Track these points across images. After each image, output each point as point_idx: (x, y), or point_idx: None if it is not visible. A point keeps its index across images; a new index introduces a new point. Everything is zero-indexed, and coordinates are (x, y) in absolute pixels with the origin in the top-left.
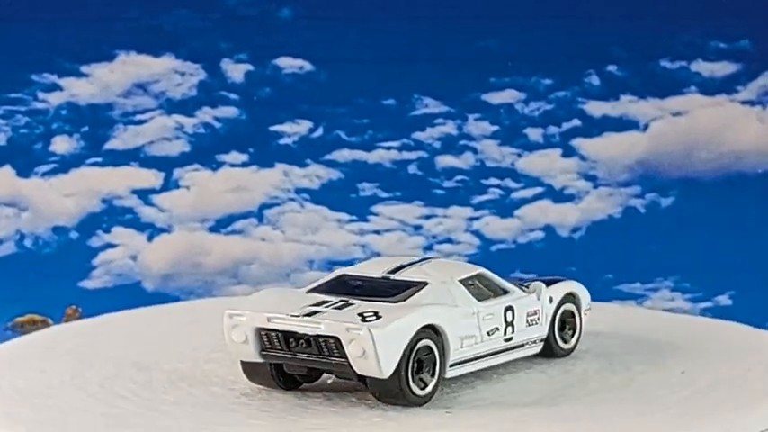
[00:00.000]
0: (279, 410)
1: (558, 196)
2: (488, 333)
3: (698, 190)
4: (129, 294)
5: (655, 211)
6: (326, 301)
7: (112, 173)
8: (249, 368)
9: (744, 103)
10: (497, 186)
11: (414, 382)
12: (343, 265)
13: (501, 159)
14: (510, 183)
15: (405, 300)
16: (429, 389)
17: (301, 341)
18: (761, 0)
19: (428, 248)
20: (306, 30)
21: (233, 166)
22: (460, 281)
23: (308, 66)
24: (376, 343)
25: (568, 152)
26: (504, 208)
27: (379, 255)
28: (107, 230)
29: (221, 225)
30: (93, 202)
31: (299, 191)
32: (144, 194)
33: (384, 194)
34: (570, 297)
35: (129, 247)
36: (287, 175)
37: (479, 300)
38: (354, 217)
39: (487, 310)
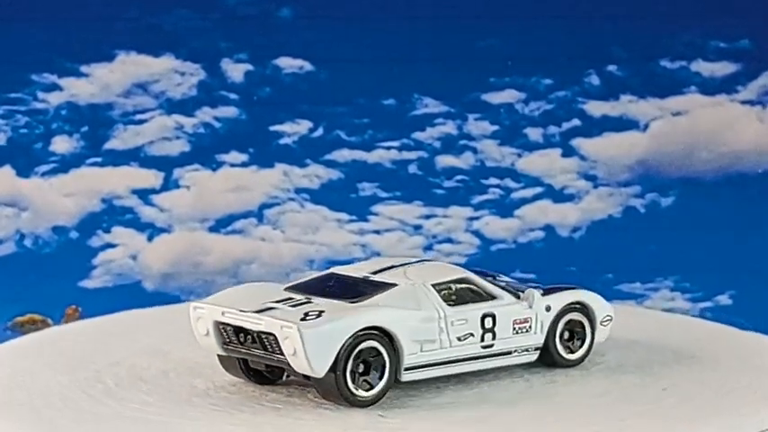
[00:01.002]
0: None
1: (558, 196)
2: (459, 339)
3: (698, 190)
4: (129, 294)
5: (655, 211)
6: (290, 299)
7: (112, 173)
8: (223, 361)
9: (744, 102)
10: (497, 186)
11: (355, 382)
12: (342, 264)
13: (501, 159)
14: (510, 182)
15: (362, 300)
16: (375, 391)
17: (249, 336)
18: (761, 0)
19: (428, 248)
20: (306, 30)
21: (233, 165)
22: (434, 285)
23: (307, 66)
24: (305, 341)
25: (568, 152)
26: (505, 208)
27: (378, 254)
28: (107, 230)
29: (221, 225)
30: (93, 202)
31: (298, 191)
32: (144, 194)
33: (384, 194)
34: (578, 307)
35: (129, 246)
36: (287, 175)
37: (452, 304)
38: (354, 217)
39: (459, 315)
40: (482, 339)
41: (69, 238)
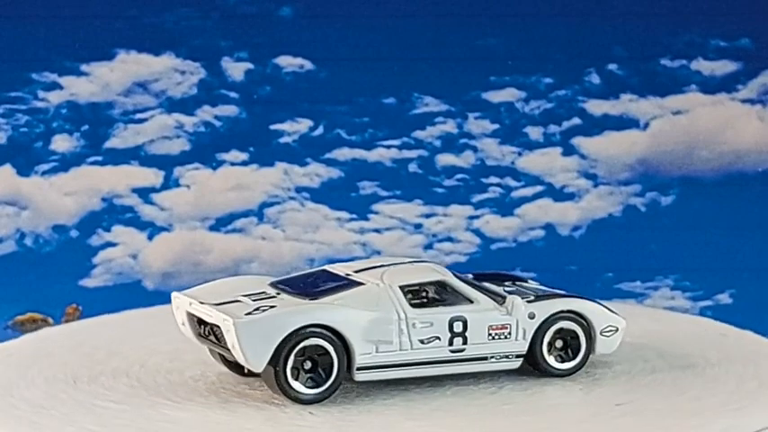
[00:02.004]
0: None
1: (559, 195)
2: (422, 341)
3: (698, 188)
4: (129, 293)
5: (655, 210)
6: (261, 293)
7: (113, 171)
8: (211, 352)
9: (744, 101)
10: (498, 185)
11: (298, 379)
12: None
13: (501, 158)
14: (510, 181)
15: (322, 298)
16: (321, 389)
17: (207, 328)
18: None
19: (428, 247)
20: (306, 28)
21: (233, 164)
22: (402, 286)
23: (308, 64)
24: (239, 335)
25: (569, 151)
26: (505, 206)
27: (379, 253)
28: (107, 229)
29: (222, 223)
30: (93, 201)
31: (299, 189)
32: (144, 193)
33: (384, 193)
34: (571, 316)
35: (130, 245)
36: (287, 174)
37: (418, 307)
38: (355, 215)
39: (423, 318)
40: (450, 343)
41: (70, 237)
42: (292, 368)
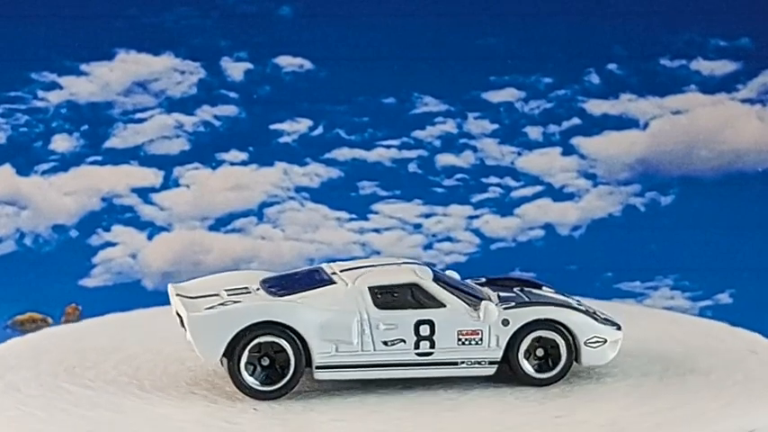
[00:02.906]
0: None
1: (558, 195)
2: (386, 343)
3: (698, 188)
4: (129, 293)
5: (655, 210)
6: (243, 289)
7: (112, 171)
8: None
9: (744, 101)
10: (497, 185)
11: (254, 375)
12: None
13: (501, 158)
14: (510, 181)
15: (287, 296)
16: (276, 386)
17: (180, 320)
18: None
19: (428, 247)
20: (306, 28)
21: (233, 164)
22: (372, 287)
23: (307, 64)
24: (193, 328)
25: (568, 150)
26: (504, 206)
27: (378, 253)
28: (107, 229)
29: (221, 223)
30: (93, 201)
31: (298, 189)
32: (144, 193)
33: (384, 193)
34: (551, 325)
35: (129, 245)
36: (287, 174)
37: (384, 308)
38: (354, 215)
39: (388, 320)
40: (417, 347)
41: (69, 237)
42: (247, 363)
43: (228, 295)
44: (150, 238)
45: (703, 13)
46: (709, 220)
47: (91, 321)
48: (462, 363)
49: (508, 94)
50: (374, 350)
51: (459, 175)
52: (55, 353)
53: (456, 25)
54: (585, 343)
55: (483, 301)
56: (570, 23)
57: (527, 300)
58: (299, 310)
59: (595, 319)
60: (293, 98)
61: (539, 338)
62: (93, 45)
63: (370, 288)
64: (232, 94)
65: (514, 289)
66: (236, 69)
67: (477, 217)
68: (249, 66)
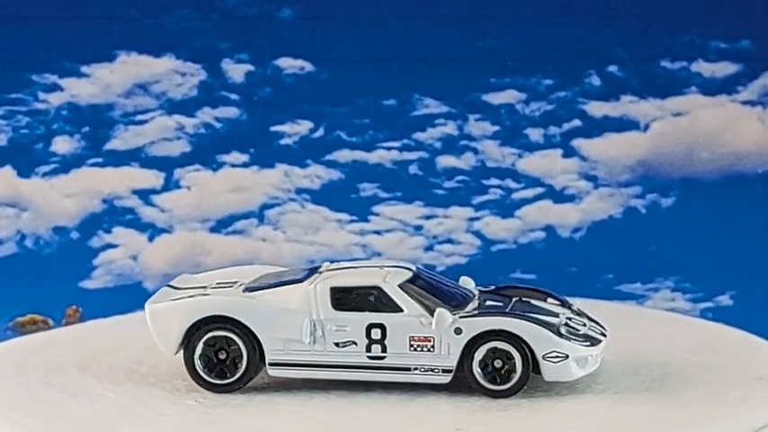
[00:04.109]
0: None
1: (559, 196)
2: (338, 345)
3: (698, 190)
4: (129, 294)
5: (655, 212)
6: (227, 284)
7: (113, 173)
8: None
9: (744, 103)
10: (498, 187)
11: (209, 368)
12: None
13: (501, 160)
14: (511, 183)
15: (254, 292)
16: (229, 380)
17: None
18: (761, 0)
19: (428, 249)
20: (306, 30)
21: (234, 166)
22: (334, 288)
23: (308, 66)
24: (149, 319)
25: (569, 152)
26: (505, 208)
27: (379, 255)
28: (108, 231)
29: (222, 225)
30: (93, 203)
31: (299, 191)
32: (145, 195)
33: (385, 195)
34: (508, 336)
35: (130, 247)
36: (287, 176)
37: (341, 310)
38: (355, 217)
39: (339, 321)
40: (368, 350)
41: (70, 239)
42: (202, 356)
43: (211, 288)
44: (151, 239)
45: (704, 15)
46: (710, 221)
47: (91, 324)
48: (415, 369)
49: (509, 96)
50: (325, 350)
51: (459, 177)
52: (55, 355)
53: (457, 27)
54: (544, 357)
55: (437, 309)
56: (571, 25)
57: (495, 310)
58: (251, 307)
59: (560, 334)
60: (294, 100)
61: (494, 349)
62: (93, 47)
63: (331, 288)
64: (233, 96)
65: (513, 299)
66: (236, 71)
67: (477, 219)
68: (250, 67)
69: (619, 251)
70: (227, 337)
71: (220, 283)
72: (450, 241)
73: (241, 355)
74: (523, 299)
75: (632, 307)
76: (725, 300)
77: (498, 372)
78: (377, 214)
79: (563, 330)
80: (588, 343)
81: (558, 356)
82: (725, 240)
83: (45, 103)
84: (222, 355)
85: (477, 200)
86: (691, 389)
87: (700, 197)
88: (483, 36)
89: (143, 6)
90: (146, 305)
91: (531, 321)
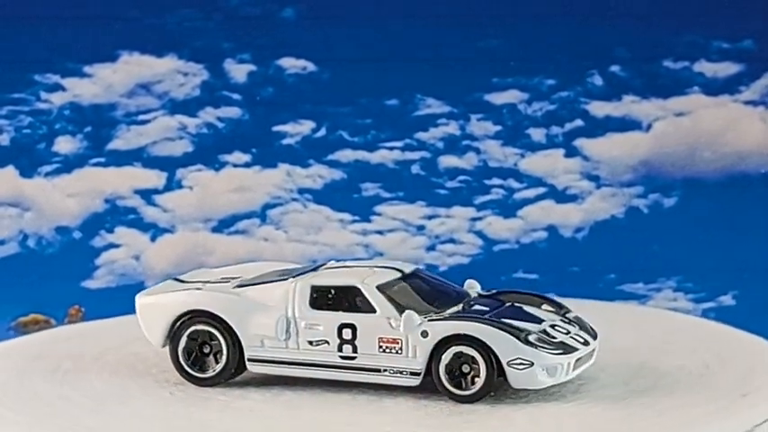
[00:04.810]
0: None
1: (561, 196)
2: (311, 343)
3: (701, 190)
4: (132, 294)
5: (658, 212)
6: (229, 279)
7: (115, 173)
8: None
9: (747, 103)
10: (500, 186)
11: (192, 361)
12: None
13: (504, 159)
14: (513, 183)
15: (242, 288)
16: (209, 374)
17: None
18: (763, 0)
19: (430, 249)
20: (309, 30)
21: (236, 166)
22: (312, 286)
23: (310, 66)
24: (137, 311)
25: (571, 152)
26: (507, 208)
27: (381, 255)
28: (110, 230)
29: (224, 225)
30: (96, 203)
31: (301, 191)
32: (147, 194)
33: (387, 194)
34: (471, 341)
35: (133, 247)
36: (290, 176)
37: (317, 309)
38: (357, 217)
39: (312, 320)
40: (340, 349)
41: (72, 239)
42: (186, 350)
43: (208, 284)
44: (153, 239)
45: (706, 15)
46: (713, 221)
47: (94, 323)
48: (385, 370)
49: (511, 96)
50: (299, 349)
51: (461, 177)
52: (56, 354)
53: (459, 27)
54: (509, 363)
55: (406, 311)
56: (573, 25)
57: (469, 314)
58: (232, 303)
59: (526, 341)
60: (296, 100)
61: (460, 354)
62: (95, 47)
63: (312, 287)
64: (235, 96)
65: (505, 304)
66: (239, 71)
67: (479, 219)
68: (252, 67)
69: (621, 251)
70: (210, 331)
71: (224, 278)
72: (452, 241)
73: (221, 351)
74: (516, 304)
75: (634, 306)
76: (727, 300)
77: (465, 376)
78: (379, 214)
79: (532, 338)
80: (560, 351)
81: (522, 363)
82: (727, 240)
83: (47, 103)
84: (206, 350)
85: (480, 200)
86: (688, 390)
87: (702, 197)
88: (485, 36)
89: (145, 6)
90: (136, 297)
91: (498, 327)
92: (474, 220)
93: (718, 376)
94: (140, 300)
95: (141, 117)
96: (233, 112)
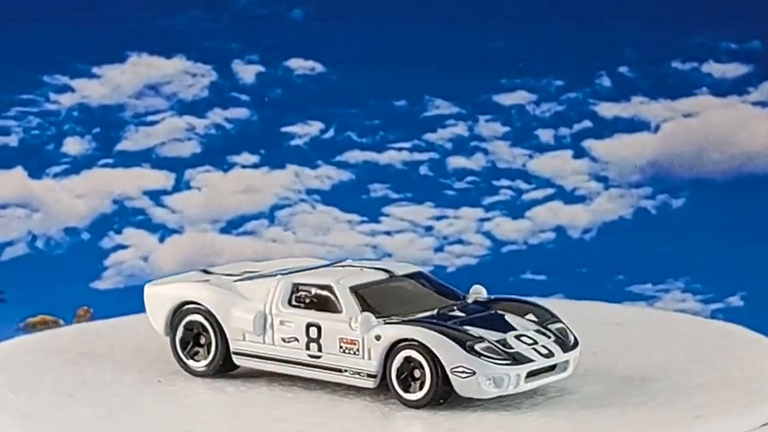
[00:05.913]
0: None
1: (570, 197)
2: (284, 340)
3: (709, 191)
4: (140, 295)
5: (666, 212)
6: (245, 273)
7: (124, 174)
8: None
9: (755, 104)
10: (508, 187)
11: (188, 351)
12: None
13: (512, 160)
14: (521, 184)
15: (239, 281)
16: (201, 364)
17: None
18: None
19: (439, 249)
20: (317, 31)
21: (244, 167)
22: (294, 284)
23: (319, 67)
24: (145, 299)
25: (579, 153)
26: (516, 209)
27: (390, 256)
28: (118, 231)
29: (232, 226)
30: (104, 203)
31: (310, 192)
32: (155, 195)
33: (395, 195)
34: (416, 345)
35: (141, 247)
36: (298, 176)
37: (294, 306)
38: (365, 218)
39: (286, 317)
40: (307, 348)
41: (81, 240)
42: (183, 340)
43: (223, 276)
44: (162, 240)
45: (714, 16)
46: (720, 222)
47: (102, 323)
48: (345, 371)
49: (519, 97)
50: (274, 344)
51: (470, 178)
52: (63, 353)
53: (467, 28)
54: (452, 371)
55: (363, 313)
56: (581, 27)
57: (427, 319)
58: (220, 296)
59: (471, 349)
60: (304, 101)
61: (410, 358)
62: (104, 48)
63: (293, 284)
64: (243, 97)
65: (489, 311)
66: (247, 72)
67: (488, 219)
68: (260, 68)
69: (629, 252)
70: (202, 323)
71: (247, 272)
72: (460, 242)
73: (210, 343)
74: (500, 312)
75: (641, 308)
76: (735, 300)
77: (415, 381)
78: (387, 215)
79: (479, 347)
80: (508, 362)
81: (465, 372)
82: (735, 241)
83: (56, 104)
84: (202, 340)
85: (488, 200)
86: (697, 390)
87: (710, 198)
88: (493, 37)
89: (154, 7)
90: (145, 286)
91: (445, 334)
92: (482, 220)
93: (728, 377)
94: (148, 288)
95: (150, 118)
96: (241, 112)
